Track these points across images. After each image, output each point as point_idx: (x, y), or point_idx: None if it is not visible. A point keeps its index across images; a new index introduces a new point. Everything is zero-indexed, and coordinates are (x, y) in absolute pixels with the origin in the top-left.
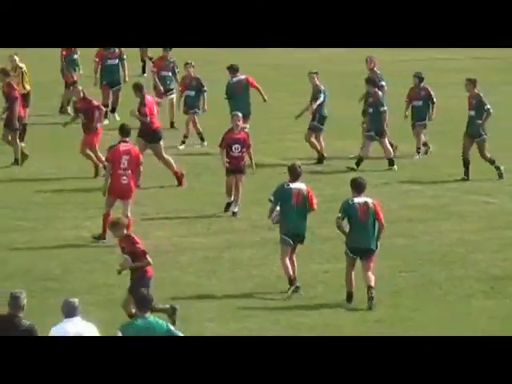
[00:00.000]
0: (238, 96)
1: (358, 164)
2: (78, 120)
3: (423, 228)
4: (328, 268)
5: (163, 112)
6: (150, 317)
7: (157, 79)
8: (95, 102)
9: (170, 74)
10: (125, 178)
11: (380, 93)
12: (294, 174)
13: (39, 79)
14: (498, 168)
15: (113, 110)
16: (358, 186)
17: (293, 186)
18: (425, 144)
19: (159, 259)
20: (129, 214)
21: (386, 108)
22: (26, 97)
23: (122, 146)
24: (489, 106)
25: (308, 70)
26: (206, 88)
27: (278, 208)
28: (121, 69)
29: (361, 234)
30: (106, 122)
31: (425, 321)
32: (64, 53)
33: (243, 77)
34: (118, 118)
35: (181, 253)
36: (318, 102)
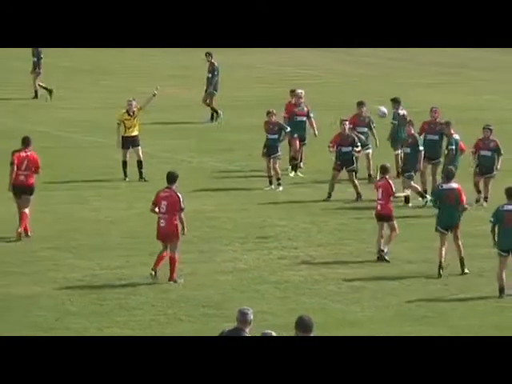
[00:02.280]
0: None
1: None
2: None
3: None
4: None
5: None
6: None
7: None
8: None
9: (366, 129)
10: (163, 221)
11: (417, 134)
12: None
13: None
14: None
15: (293, 160)
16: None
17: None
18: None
19: (309, 288)
20: (175, 255)
21: (422, 148)
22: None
23: (163, 192)
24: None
25: None
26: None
27: None
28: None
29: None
30: (291, 174)
31: None
32: (286, 115)
33: None
34: (301, 175)
35: (328, 282)
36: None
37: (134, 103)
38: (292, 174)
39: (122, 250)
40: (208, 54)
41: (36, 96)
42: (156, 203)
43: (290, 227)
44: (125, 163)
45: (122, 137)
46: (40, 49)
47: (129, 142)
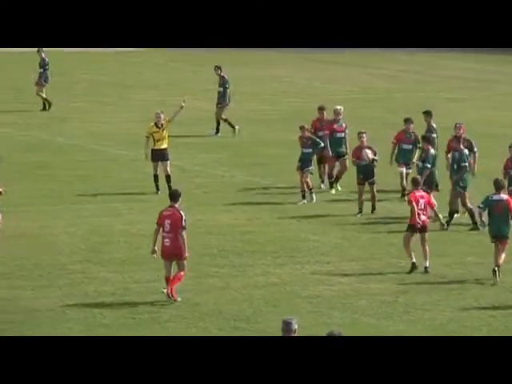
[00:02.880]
0: None
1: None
2: None
3: None
4: None
5: None
6: None
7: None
8: None
9: (411, 146)
10: (167, 240)
11: (432, 151)
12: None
13: None
14: None
15: (336, 180)
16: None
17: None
18: None
19: (341, 303)
20: (182, 273)
21: (429, 165)
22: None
23: (166, 211)
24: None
25: None
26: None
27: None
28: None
29: None
30: (332, 191)
31: None
32: (327, 132)
33: None
34: (339, 188)
35: (360, 297)
36: None
37: (162, 116)
38: (333, 191)
39: (154, 264)
40: (217, 68)
41: (45, 108)
42: (160, 223)
43: (322, 242)
44: (156, 177)
45: (152, 150)
46: (47, 60)
47: (158, 155)
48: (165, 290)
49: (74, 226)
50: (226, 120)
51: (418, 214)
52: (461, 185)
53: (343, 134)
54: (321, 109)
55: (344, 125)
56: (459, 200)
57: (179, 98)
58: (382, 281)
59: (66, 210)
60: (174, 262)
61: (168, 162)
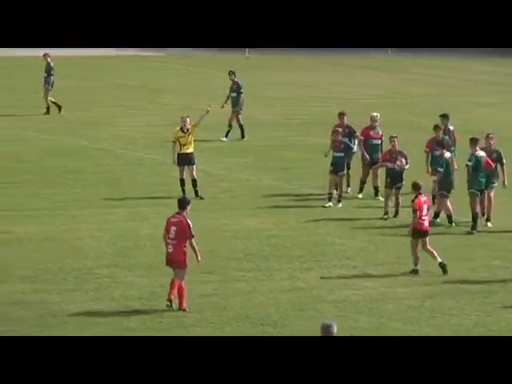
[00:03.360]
0: None
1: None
2: None
3: None
4: None
5: None
6: None
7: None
8: None
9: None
10: (170, 247)
11: (447, 154)
12: None
13: None
14: None
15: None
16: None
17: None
18: None
19: (367, 308)
20: (182, 283)
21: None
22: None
23: (174, 218)
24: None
25: None
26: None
27: None
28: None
29: None
30: (359, 195)
31: None
32: (362, 138)
33: None
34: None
35: (387, 302)
36: None
37: (188, 120)
38: (360, 196)
39: None
40: (231, 73)
41: (48, 112)
42: (167, 229)
43: (348, 246)
44: (182, 181)
45: (178, 154)
46: (52, 64)
47: (184, 160)
48: (168, 303)
49: (100, 230)
50: (241, 126)
51: (423, 219)
52: (476, 188)
53: (379, 141)
54: (341, 114)
55: (380, 132)
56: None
57: (204, 102)
58: (408, 285)
59: (92, 214)
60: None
61: (194, 166)
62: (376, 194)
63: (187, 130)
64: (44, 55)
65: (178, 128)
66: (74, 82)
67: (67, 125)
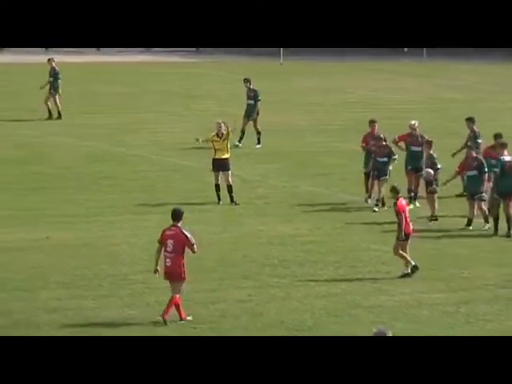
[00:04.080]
0: None
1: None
2: None
3: None
4: None
5: None
6: None
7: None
8: None
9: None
10: (168, 260)
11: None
12: None
13: None
14: None
15: (415, 196)
16: None
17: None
18: None
19: (403, 313)
20: (177, 297)
21: (487, 170)
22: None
23: (169, 231)
24: None
25: None
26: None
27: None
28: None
29: None
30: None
31: None
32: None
33: None
34: (418, 205)
35: (422, 307)
36: None
37: (223, 126)
38: (411, 206)
39: (216, 273)
40: (246, 81)
41: (60, 116)
42: (162, 242)
43: (383, 251)
44: (217, 186)
45: (213, 159)
46: (57, 69)
47: (219, 165)
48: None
49: (135, 236)
50: (259, 132)
51: (408, 222)
52: (497, 192)
53: (420, 149)
54: (372, 122)
55: (420, 139)
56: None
57: (240, 109)
58: (444, 291)
59: (127, 220)
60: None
61: (229, 172)
62: (411, 201)
63: (222, 135)
64: (49, 60)
65: (214, 133)
66: (115, 88)
67: (105, 131)
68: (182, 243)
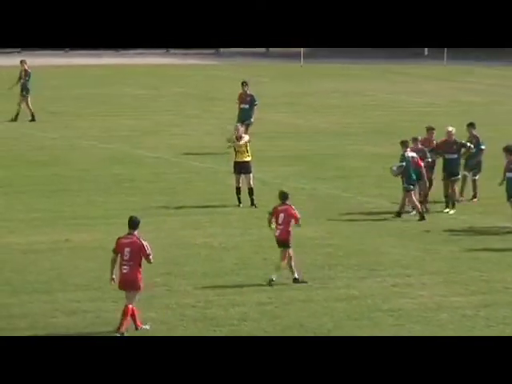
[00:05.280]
0: None
1: None
2: None
3: None
4: None
5: None
6: None
7: None
8: None
9: None
10: (126, 267)
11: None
12: None
13: None
14: None
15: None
16: None
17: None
18: None
19: (422, 317)
20: (130, 305)
21: None
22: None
23: (125, 239)
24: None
25: None
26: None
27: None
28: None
29: None
30: (445, 210)
31: None
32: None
33: None
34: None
35: (442, 311)
36: None
37: (241, 128)
38: (451, 212)
39: (236, 277)
40: (245, 84)
41: (33, 118)
42: (117, 250)
43: (402, 254)
44: (238, 189)
45: (234, 162)
46: (29, 71)
47: (241, 168)
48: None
49: (155, 238)
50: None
51: (277, 228)
52: None
53: (456, 156)
54: (430, 129)
55: (454, 146)
56: None
57: (261, 111)
58: (463, 294)
59: (147, 223)
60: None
61: (251, 174)
62: (447, 206)
63: (240, 137)
64: (21, 62)
65: (234, 135)
66: (134, 91)
67: (124, 133)
68: (139, 251)
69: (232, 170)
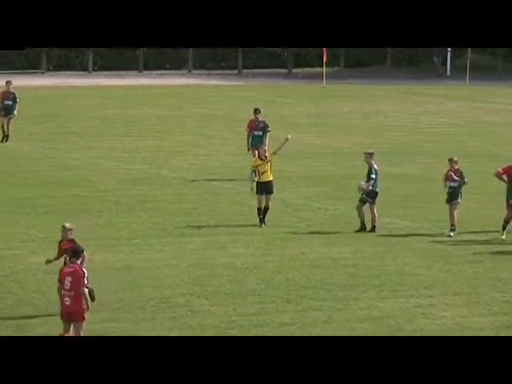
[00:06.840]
0: None
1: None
2: None
3: None
4: None
5: None
6: None
7: None
8: None
9: None
10: (68, 299)
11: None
12: None
13: None
14: None
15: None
16: None
17: None
18: None
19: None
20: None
21: None
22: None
23: (67, 268)
24: None
25: None
26: None
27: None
28: None
29: None
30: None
31: None
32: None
33: None
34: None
35: (464, 332)
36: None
37: (266, 148)
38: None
39: (258, 297)
40: (258, 111)
41: (7, 139)
42: (60, 280)
43: (426, 275)
44: (260, 210)
45: (257, 182)
46: (16, 94)
47: (264, 188)
48: None
49: (177, 258)
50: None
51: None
52: None
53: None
54: (451, 160)
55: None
56: None
57: (283, 131)
58: (486, 315)
59: (169, 243)
60: None
61: (272, 195)
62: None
63: (265, 157)
64: (7, 82)
65: (257, 157)
66: (156, 111)
67: (146, 154)
68: (80, 279)
69: (251, 190)
